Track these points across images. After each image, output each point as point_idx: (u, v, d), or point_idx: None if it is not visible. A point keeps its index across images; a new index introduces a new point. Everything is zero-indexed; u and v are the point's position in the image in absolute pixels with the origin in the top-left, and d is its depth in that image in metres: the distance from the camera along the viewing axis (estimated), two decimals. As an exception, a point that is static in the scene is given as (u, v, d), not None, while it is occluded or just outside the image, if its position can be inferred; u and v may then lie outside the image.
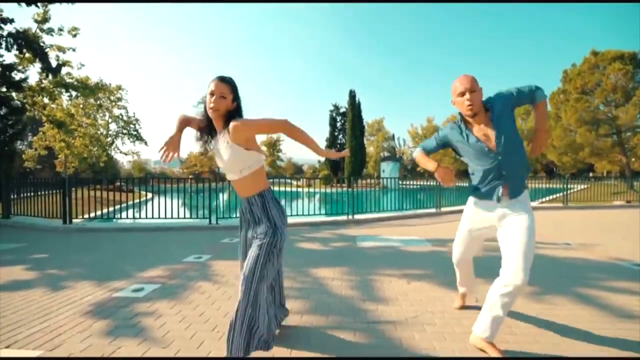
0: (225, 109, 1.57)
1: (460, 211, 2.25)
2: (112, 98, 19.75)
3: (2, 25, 8.99)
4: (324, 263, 3.65)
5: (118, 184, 13.10)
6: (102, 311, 2.34)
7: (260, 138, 46.64)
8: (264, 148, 47.75)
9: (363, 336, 1.97)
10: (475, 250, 2.12)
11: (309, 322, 2.16)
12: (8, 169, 8.68)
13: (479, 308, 1.96)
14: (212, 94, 1.55)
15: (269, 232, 1.57)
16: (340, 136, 38.42)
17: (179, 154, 1.61)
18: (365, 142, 37.90)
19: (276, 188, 10.81)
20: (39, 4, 9.37)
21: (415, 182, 10.46)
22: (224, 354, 1.58)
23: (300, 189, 13.20)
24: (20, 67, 10.16)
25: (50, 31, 10.94)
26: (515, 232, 1.70)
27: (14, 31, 9.13)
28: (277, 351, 1.77)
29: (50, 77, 9.88)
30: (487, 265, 2.49)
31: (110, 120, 26.72)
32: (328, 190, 14.64)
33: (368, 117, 47.26)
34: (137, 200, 12.02)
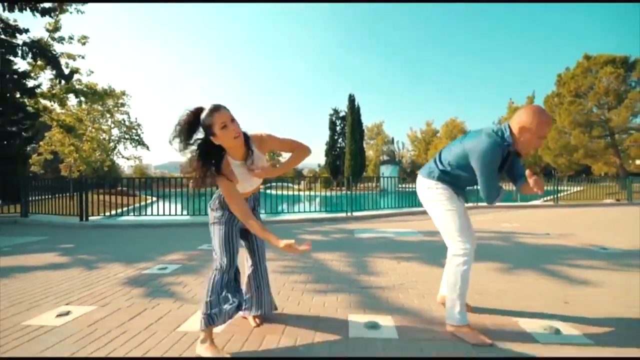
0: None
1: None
2: (118, 102, 20.29)
3: (18, 35, 9.47)
4: (325, 249, 4.06)
5: (120, 187, 13.45)
6: (137, 282, 2.75)
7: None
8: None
9: (356, 297, 2.38)
10: None
11: (312, 289, 2.57)
12: (22, 170, 9.12)
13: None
14: (225, 125, 1.45)
15: None
16: (340, 140, 38.88)
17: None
18: (364, 145, 38.37)
19: (276, 192, 11.23)
20: (52, 15, 9.86)
21: (414, 185, 10.85)
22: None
23: (300, 192, 13.58)
24: (32, 74, 10.64)
25: (61, 39, 11.46)
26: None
27: (28, 40, 9.62)
28: (285, 309, 2.17)
29: (62, 83, 10.36)
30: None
31: (112, 126, 27.22)
32: (328, 193, 15.04)
33: (367, 121, 47.71)
34: (142, 203, 12.42)
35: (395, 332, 1.81)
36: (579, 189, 13.32)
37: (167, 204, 7.07)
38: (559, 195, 12.13)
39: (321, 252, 3.86)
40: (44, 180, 9.53)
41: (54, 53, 10.13)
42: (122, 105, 20.05)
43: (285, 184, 15.17)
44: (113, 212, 9.05)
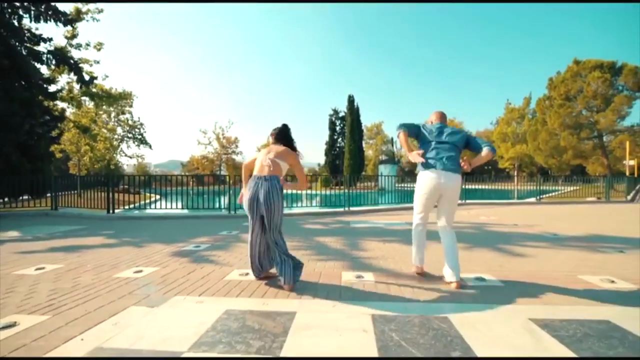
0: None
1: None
2: (128, 103, 21.04)
3: (42, 43, 10.28)
4: (325, 235, 4.90)
5: (126, 185, 14.14)
6: (181, 254, 3.59)
7: (261, 142, 47.83)
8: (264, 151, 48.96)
9: (348, 263, 3.22)
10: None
11: (316, 258, 3.41)
12: (48, 168, 9.95)
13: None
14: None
15: None
16: (340, 139, 39.70)
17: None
18: (364, 145, 39.22)
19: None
20: (73, 24, 10.66)
21: (412, 185, 11.68)
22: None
23: (300, 191, 14.38)
24: (54, 80, 11.46)
25: (78, 46, 12.28)
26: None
27: (52, 49, 10.43)
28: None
29: (82, 88, 11.18)
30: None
31: (116, 124, 27.93)
32: (327, 192, 15.85)
33: (367, 121, 48.56)
34: (148, 200, 13.24)
35: (372, 278, 2.66)
36: (573, 188, 14.16)
37: (169, 202, 7.95)
38: (548, 194, 13.00)
39: (322, 237, 4.70)
40: (70, 178, 10.37)
41: (75, 60, 10.93)
42: (131, 105, 20.78)
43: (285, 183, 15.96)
44: (126, 207, 9.90)
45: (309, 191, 14.77)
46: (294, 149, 2.70)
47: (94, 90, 12.84)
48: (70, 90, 12.47)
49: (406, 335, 1.68)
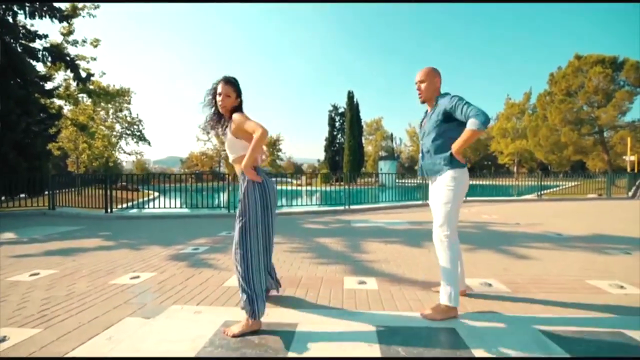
0: (230, 106, 1.92)
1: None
2: (126, 99, 20.92)
3: (37, 40, 10.11)
4: (325, 235, 4.83)
5: (124, 182, 14.03)
6: (179, 258, 3.52)
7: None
8: (264, 148, 48.91)
9: (350, 268, 3.15)
10: None
11: (317, 262, 3.34)
12: (46, 167, 9.85)
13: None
14: (219, 94, 1.91)
15: (240, 215, 1.91)
16: (339, 136, 39.56)
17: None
18: (363, 141, 39.08)
19: (277, 187, 11.95)
20: (69, 21, 10.49)
21: (412, 181, 11.61)
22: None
23: (300, 187, 14.34)
24: (50, 77, 11.30)
25: (75, 43, 12.11)
26: (433, 201, 2.12)
27: (48, 46, 10.27)
28: (298, 273, 2.94)
29: (79, 85, 11.03)
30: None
31: (114, 121, 27.84)
32: (327, 188, 15.80)
33: (367, 117, 48.36)
34: (147, 198, 13.16)
35: (376, 285, 2.59)
36: (573, 184, 14.10)
37: (168, 199, 7.85)
38: (549, 190, 12.94)
39: (322, 238, 4.63)
40: (67, 176, 10.28)
41: (72, 57, 10.78)
42: (129, 102, 20.70)
43: (285, 179, 15.92)
44: (124, 205, 9.81)
45: (308, 187, 14.75)
46: (237, 109, 1.95)
47: (91, 87, 12.69)
48: (67, 88, 12.33)
49: (413, 350, 1.61)
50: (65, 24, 10.81)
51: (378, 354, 1.57)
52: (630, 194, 12.81)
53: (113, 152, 24.32)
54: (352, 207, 8.44)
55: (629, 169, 16.89)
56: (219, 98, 1.92)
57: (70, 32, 11.97)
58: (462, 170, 2.03)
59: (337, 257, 3.56)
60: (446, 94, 2.07)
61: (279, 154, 48.63)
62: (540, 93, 23.34)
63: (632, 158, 17.34)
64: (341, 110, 38.85)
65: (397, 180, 12.36)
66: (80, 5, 11.47)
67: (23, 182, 8.47)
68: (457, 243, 2.05)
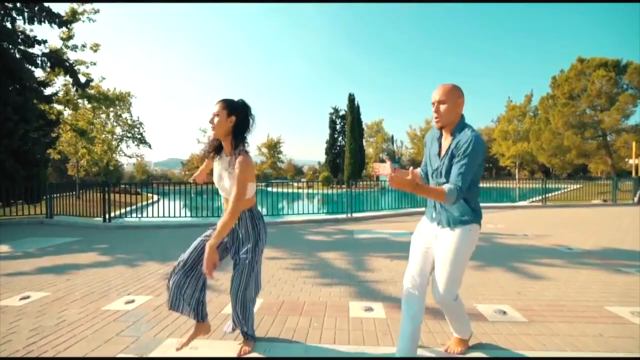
0: (221, 127, 1.67)
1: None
2: (126, 104, 20.85)
3: (37, 45, 10.03)
4: (328, 249, 4.69)
5: (123, 186, 13.94)
6: (176, 278, 3.37)
7: (261, 140, 47.63)
8: (264, 150, 48.98)
9: (355, 290, 3.01)
10: (428, 270, 1.75)
11: (320, 282, 3.20)
12: (44, 174, 9.74)
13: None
14: (212, 116, 1.69)
15: (253, 255, 1.76)
16: (340, 138, 39.49)
17: (202, 180, 2.07)
18: (364, 143, 38.98)
19: (277, 189, 11.84)
20: (68, 26, 10.41)
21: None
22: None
23: (300, 190, 14.23)
24: (49, 82, 11.22)
25: (74, 48, 12.03)
26: (440, 256, 1.67)
27: (47, 51, 10.18)
28: (301, 297, 2.80)
29: (79, 90, 10.94)
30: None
31: (115, 124, 27.77)
32: (328, 191, 15.71)
33: (367, 119, 48.24)
34: (148, 202, 13.06)
35: (384, 313, 2.45)
36: (576, 187, 13.93)
37: (168, 202, 7.74)
38: (550, 194, 12.79)
39: (325, 252, 4.49)
40: (65, 185, 10.16)
41: (71, 62, 10.69)
42: (130, 106, 20.61)
43: (285, 182, 15.82)
44: (123, 210, 9.68)
45: (309, 190, 14.64)
46: (235, 132, 1.76)
47: (90, 92, 12.61)
48: (67, 93, 12.24)
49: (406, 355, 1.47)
50: (64, 28, 10.73)
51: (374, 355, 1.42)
52: (636, 199, 12.64)
53: (113, 156, 24.23)
54: (355, 214, 8.30)
55: (634, 174, 16.72)
56: (214, 120, 1.68)
57: (69, 37, 11.89)
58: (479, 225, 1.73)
59: (341, 276, 3.42)
60: (465, 129, 1.61)
61: (280, 156, 48.54)
62: (543, 96, 23.20)
63: (637, 161, 17.17)
64: (342, 112, 38.79)
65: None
66: (80, 10, 11.41)
67: (20, 190, 8.35)
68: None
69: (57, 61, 10.01)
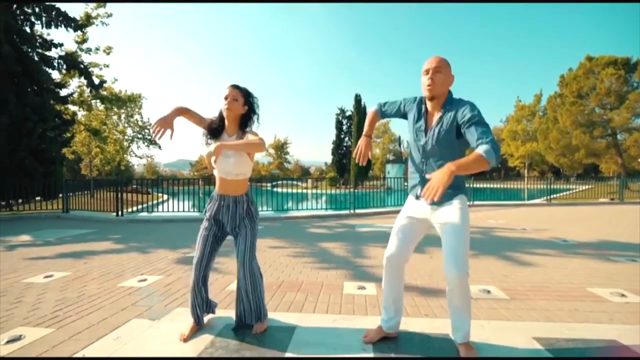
0: (237, 111, 1.81)
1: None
2: (137, 105, 21.37)
3: (53, 49, 10.49)
4: (328, 240, 4.89)
5: (135, 185, 14.25)
6: (185, 261, 3.62)
7: (268, 141, 48.07)
8: (271, 150, 49.44)
9: (351, 273, 3.20)
10: (410, 249, 1.77)
11: (319, 267, 3.40)
12: (60, 172, 10.18)
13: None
14: (225, 97, 1.79)
15: (252, 225, 1.92)
16: (347, 139, 39.62)
17: (172, 132, 1.72)
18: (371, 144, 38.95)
19: (283, 190, 12.06)
20: (83, 29, 10.86)
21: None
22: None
23: (307, 190, 14.44)
24: (65, 84, 11.70)
25: (88, 51, 12.49)
26: (448, 231, 1.58)
27: (63, 54, 10.65)
28: (299, 278, 3.01)
29: (92, 91, 11.39)
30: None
31: (126, 126, 28.42)
32: (334, 191, 15.88)
33: (373, 120, 48.10)
34: (158, 200, 13.43)
35: (375, 290, 2.63)
36: (586, 187, 13.84)
37: (178, 202, 8.05)
38: (559, 194, 12.74)
39: (325, 242, 4.69)
40: (80, 182, 10.59)
41: (85, 65, 11.14)
42: (140, 108, 21.15)
43: (292, 182, 16.05)
44: (135, 208, 10.05)
45: (315, 190, 14.84)
46: (245, 118, 1.91)
47: (103, 93, 13.06)
48: (81, 94, 12.72)
49: (404, 355, 1.65)
50: (79, 32, 11.19)
51: (371, 356, 1.62)
52: (644, 198, 12.50)
53: (125, 155, 24.85)
54: (358, 211, 8.47)
55: (643, 173, 16.46)
56: (225, 102, 1.78)
57: (84, 40, 12.36)
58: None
59: (339, 262, 3.61)
60: (461, 99, 1.60)
61: (287, 157, 48.90)
62: (551, 95, 22.98)
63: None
64: (348, 113, 38.92)
65: (405, 184, 12.30)
66: (94, 14, 11.87)
67: (39, 186, 8.76)
68: None
69: (72, 63, 10.47)
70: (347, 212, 8.43)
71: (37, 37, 10.35)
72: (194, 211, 8.24)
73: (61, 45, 10.50)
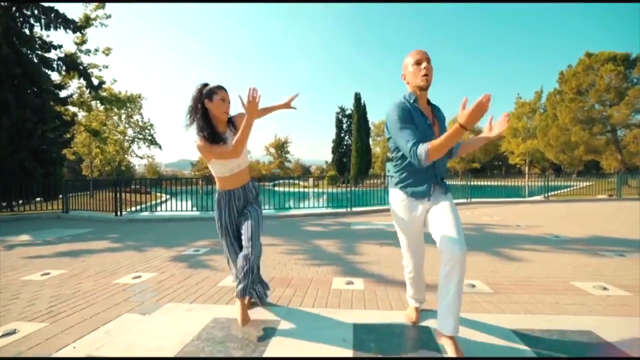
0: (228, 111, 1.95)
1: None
2: (137, 105, 21.51)
3: (52, 50, 10.58)
4: (322, 237, 4.95)
5: (135, 186, 14.31)
6: (179, 259, 3.69)
7: (269, 140, 48.12)
8: (272, 150, 49.48)
9: (341, 269, 3.26)
10: (423, 255, 1.95)
11: (310, 263, 3.46)
12: (60, 172, 10.28)
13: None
14: (224, 100, 1.86)
15: (259, 208, 2.13)
16: (347, 137, 39.65)
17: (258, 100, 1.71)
18: (371, 142, 39.04)
19: (283, 189, 12.12)
20: (82, 31, 10.94)
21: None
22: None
23: (307, 189, 14.50)
24: (64, 85, 11.79)
25: (88, 52, 12.58)
26: (443, 212, 1.70)
27: (62, 55, 10.73)
28: (290, 274, 3.07)
29: (92, 92, 11.48)
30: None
31: (127, 126, 28.58)
32: (334, 190, 15.95)
33: (374, 118, 48.24)
34: (158, 200, 13.52)
35: (362, 285, 2.69)
36: (586, 184, 13.82)
37: (178, 201, 8.12)
38: (558, 191, 12.74)
39: (319, 240, 4.75)
40: (80, 182, 10.68)
41: (84, 66, 11.22)
42: (140, 108, 21.30)
43: (292, 181, 16.11)
44: (133, 208, 10.14)
45: (314, 189, 14.90)
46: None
47: (103, 94, 13.15)
48: (81, 95, 12.81)
49: (384, 345, 1.71)
50: (78, 34, 11.27)
51: (350, 350, 1.67)
52: (641, 194, 12.48)
53: (125, 156, 24.99)
54: (355, 209, 8.53)
55: (643, 169, 16.43)
56: (224, 105, 1.87)
57: (83, 42, 12.45)
58: None
59: (330, 258, 3.67)
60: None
61: (287, 155, 48.96)
62: (550, 92, 22.93)
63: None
64: (348, 112, 38.93)
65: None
66: (93, 15, 11.95)
67: (39, 187, 8.85)
68: None
69: (71, 65, 10.56)
70: (344, 210, 8.49)
71: (37, 39, 10.43)
72: (193, 210, 8.30)
73: (60, 47, 10.59)
